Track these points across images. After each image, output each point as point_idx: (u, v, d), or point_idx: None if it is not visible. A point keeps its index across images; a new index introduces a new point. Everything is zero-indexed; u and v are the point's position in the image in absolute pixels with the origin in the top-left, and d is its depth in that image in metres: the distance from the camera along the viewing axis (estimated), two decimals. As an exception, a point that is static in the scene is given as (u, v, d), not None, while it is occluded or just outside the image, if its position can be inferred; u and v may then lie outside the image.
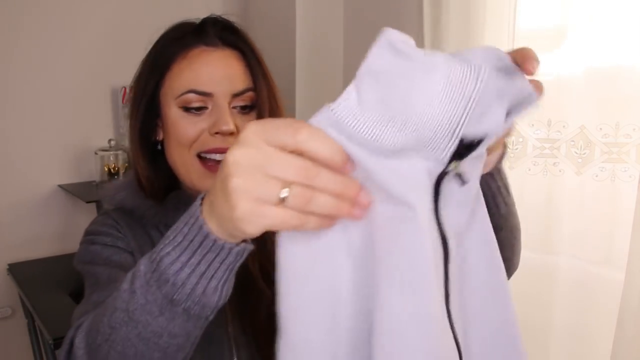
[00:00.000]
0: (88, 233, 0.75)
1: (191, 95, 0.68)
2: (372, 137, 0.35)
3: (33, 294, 1.55)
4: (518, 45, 1.39)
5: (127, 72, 2.14)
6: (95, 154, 1.85)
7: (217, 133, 0.67)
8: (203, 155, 0.68)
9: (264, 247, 0.70)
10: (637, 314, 1.00)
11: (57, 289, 1.56)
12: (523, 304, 1.33)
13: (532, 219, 1.28)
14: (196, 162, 0.68)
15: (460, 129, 0.36)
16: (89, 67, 1.86)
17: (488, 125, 0.37)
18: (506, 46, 1.21)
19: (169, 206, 0.72)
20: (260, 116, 0.70)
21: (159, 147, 0.74)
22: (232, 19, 0.74)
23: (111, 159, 1.84)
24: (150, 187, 0.73)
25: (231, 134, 0.67)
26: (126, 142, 1.92)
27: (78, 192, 1.79)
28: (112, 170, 1.83)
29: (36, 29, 1.76)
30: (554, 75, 1.20)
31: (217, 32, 0.71)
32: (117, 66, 1.90)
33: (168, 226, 0.70)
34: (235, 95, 0.69)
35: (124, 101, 1.87)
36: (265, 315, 0.69)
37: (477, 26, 1.29)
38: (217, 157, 0.68)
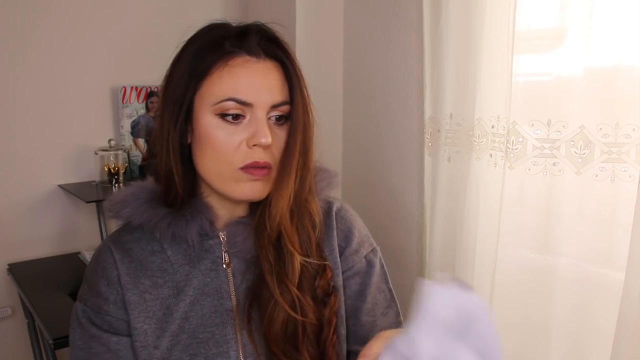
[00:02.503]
0: (81, 293, 0.74)
1: (230, 103, 0.67)
2: None
3: (33, 294, 1.55)
4: (518, 45, 1.39)
5: (127, 72, 2.15)
6: (95, 154, 1.85)
7: (255, 145, 0.67)
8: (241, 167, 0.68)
9: (281, 258, 0.71)
10: (637, 314, 1.00)
11: (57, 289, 1.56)
12: (523, 304, 1.33)
13: (532, 219, 1.28)
14: (236, 174, 0.68)
15: None
16: (89, 67, 1.86)
17: None
18: (506, 46, 1.21)
19: (185, 215, 0.71)
20: (293, 130, 0.69)
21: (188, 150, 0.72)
22: (277, 28, 0.73)
23: (111, 159, 1.84)
24: (183, 192, 0.72)
25: (267, 146, 0.67)
26: (126, 142, 1.92)
27: (78, 192, 1.79)
28: (112, 170, 1.83)
29: (36, 29, 1.76)
30: (554, 75, 1.20)
31: (259, 41, 0.70)
32: (117, 66, 1.90)
33: (182, 237, 0.70)
34: (274, 107, 0.68)
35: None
36: (280, 325, 0.69)
37: (477, 26, 1.29)
38: (252, 170, 0.68)
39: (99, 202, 1.82)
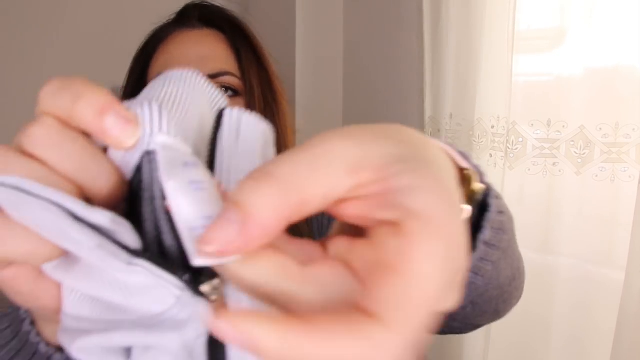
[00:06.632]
0: None
1: None
2: None
3: (33, 294, 1.55)
4: (518, 45, 1.38)
5: (126, 72, 2.13)
6: (95, 154, 1.85)
7: None
8: None
9: None
10: (637, 314, 1.00)
11: (57, 289, 1.56)
12: (523, 304, 1.32)
13: (532, 219, 1.28)
14: None
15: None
16: (88, 67, 1.86)
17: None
18: (506, 46, 1.21)
19: None
20: (250, 105, 0.62)
21: None
22: (219, 2, 0.69)
23: (111, 159, 1.84)
24: None
25: None
26: (126, 142, 1.92)
27: (78, 192, 1.79)
28: (112, 170, 1.83)
29: (35, 28, 1.76)
30: (554, 75, 1.20)
31: (195, 13, 0.67)
32: (116, 66, 1.90)
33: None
34: (210, 77, 0.60)
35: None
36: None
37: (477, 26, 1.29)
38: None
39: (99, 202, 1.82)
